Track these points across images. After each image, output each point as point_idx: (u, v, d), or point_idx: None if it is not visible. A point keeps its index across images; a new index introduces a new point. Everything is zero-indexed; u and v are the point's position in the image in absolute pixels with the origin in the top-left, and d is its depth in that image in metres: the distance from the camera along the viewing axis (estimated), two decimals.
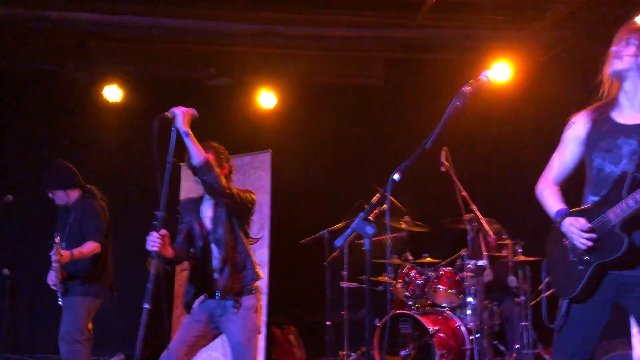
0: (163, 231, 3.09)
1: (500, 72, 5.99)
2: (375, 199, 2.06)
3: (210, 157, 3.29)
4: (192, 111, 3.25)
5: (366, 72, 7.38)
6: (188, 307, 3.49)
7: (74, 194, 4.51)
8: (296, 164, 6.97)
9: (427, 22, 6.13)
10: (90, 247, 4.27)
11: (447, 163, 5.10)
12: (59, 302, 4.32)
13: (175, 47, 6.87)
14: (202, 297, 3.44)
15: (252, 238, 3.54)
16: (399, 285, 5.39)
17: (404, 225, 5.58)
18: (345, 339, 5.94)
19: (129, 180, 7.05)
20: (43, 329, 6.75)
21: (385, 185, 2.06)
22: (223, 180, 3.21)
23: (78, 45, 6.51)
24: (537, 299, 5.43)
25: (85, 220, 4.39)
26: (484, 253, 5.27)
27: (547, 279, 2.52)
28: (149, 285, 2.90)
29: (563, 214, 2.38)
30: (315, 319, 6.19)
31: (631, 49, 2.26)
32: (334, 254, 5.96)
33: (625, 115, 2.33)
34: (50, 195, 4.53)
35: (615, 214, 2.18)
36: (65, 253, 4.09)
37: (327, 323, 5.96)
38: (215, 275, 3.36)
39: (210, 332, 3.43)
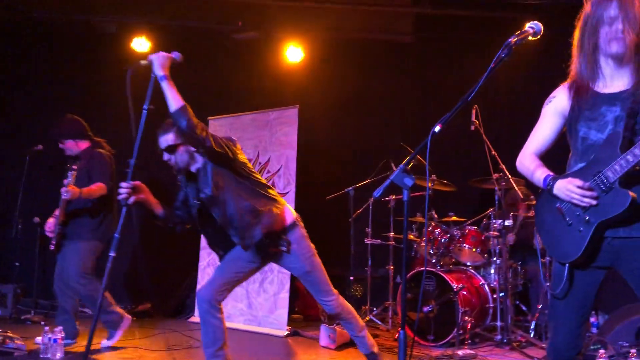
0: (136, 182, 3.14)
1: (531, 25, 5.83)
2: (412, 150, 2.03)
3: None
4: (172, 55, 3.16)
5: (395, 27, 7.24)
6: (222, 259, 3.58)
7: (84, 144, 4.86)
8: (322, 119, 6.93)
9: None
10: (97, 187, 4.59)
11: (477, 121, 5.02)
12: (51, 248, 4.69)
13: None
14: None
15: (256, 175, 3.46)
16: (422, 243, 5.40)
17: (430, 184, 5.55)
18: (367, 294, 6.02)
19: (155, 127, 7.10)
20: None
21: (423, 141, 2.06)
22: (200, 127, 3.09)
23: None
24: None
25: (92, 166, 4.71)
26: (511, 213, 5.25)
27: (541, 246, 2.52)
28: (116, 234, 2.95)
29: (554, 177, 2.38)
30: (339, 274, 6.26)
31: (631, 33, 2.22)
32: (358, 210, 5.98)
33: (606, 85, 2.33)
34: (60, 146, 4.86)
35: (613, 171, 2.19)
36: (75, 189, 4.42)
37: (351, 278, 6.02)
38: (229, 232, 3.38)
39: (252, 270, 3.53)
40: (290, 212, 3.47)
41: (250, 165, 3.46)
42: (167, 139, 3.32)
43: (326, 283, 3.50)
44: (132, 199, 3.12)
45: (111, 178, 4.75)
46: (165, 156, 3.35)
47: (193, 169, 3.40)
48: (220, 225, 3.37)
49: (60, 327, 4.40)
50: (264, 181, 3.49)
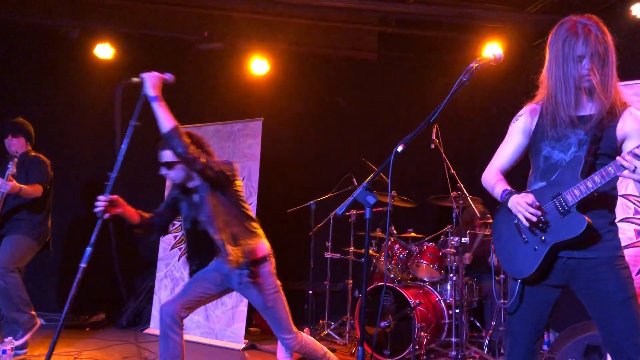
0: (114, 196, 3.07)
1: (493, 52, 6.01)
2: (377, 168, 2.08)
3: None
4: (165, 76, 3.13)
5: (360, 45, 7.36)
6: (193, 274, 3.55)
7: (28, 147, 5.04)
8: (286, 133, 6.97)
9: None
10: (33, 187, 4.74)
11: (437, 140, 5.13)
12: None
13: (170, 8, 6.78)
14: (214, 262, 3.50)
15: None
16: (382, 258, 5.46)
17: (390, 200, 5.62)
18: (326, 309, 6.04)
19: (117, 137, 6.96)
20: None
21: (387, 159, 2.10)
22: (192, 149, 3.08)
23: (71, 2, 6.39)
24: None
25: (31, 169, 4.86)
26: (468, 231, 5.36)
27: (496, 263, 2.57)
28: (88, 247, 2.89)
29: (510, 192, 2.44)
30: (298, 287, 6.27)
31: (596, 73, 2.30)
32: (319, 224, 6.01)
33: (574, 109, 2.39)
34: (10, 138, 4.95)
35: (572, 196, 2.26)
36: (15, 183, 4.55)
37: (309, 292, 6.03)
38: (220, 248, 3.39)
39: (219, 294, 3.53)
40: (264, 246, 3.44)
41: (242, 193, 3.45)
42: (166, 154, 3.28)
43: (286, 320, 3.45)
44: (107, 215, 3.04)
45: (48, 182, 4.90)
46: (162, 170, 3.32)
47: (190, 185, 3.38)
48: (207, 241, 3.36)
49: (10, 338, 4.28)
50: (250, 213, 3.46)
